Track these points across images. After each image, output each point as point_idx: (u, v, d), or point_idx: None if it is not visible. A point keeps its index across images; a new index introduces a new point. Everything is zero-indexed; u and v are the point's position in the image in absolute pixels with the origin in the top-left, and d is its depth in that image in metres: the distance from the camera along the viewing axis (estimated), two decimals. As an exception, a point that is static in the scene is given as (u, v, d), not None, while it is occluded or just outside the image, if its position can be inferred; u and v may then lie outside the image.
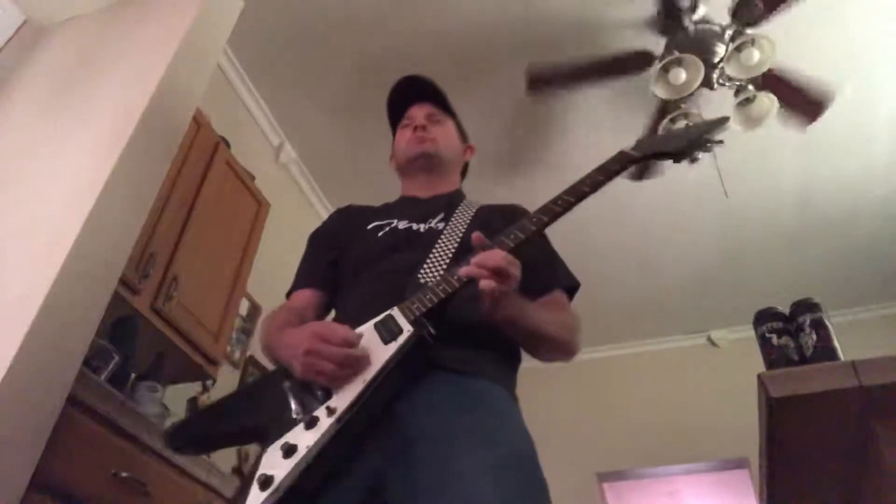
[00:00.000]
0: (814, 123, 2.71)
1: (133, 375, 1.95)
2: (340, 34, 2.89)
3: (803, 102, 2.65)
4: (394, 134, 1.49)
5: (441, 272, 1.10)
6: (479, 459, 0.91)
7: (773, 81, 2.60)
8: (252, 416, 1.07)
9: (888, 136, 3.31)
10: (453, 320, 1.05)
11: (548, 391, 4.70)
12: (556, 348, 1.14)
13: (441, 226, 1.24)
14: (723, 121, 1.12)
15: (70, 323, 1.55)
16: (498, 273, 0.96)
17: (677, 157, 1.09)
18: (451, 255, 1.14)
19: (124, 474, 1.57)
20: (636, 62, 2.71)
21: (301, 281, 1.33)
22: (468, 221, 1.24)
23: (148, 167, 1.87)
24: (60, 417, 1.44)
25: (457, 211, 1.28)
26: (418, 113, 1.42)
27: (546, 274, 1.23)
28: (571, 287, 1.25)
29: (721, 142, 1.08)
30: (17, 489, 1.33)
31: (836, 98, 2.66)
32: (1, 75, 2.25)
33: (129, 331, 1.98)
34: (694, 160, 1.08)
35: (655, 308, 4.56)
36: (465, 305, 1.06)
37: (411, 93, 1.45)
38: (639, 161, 1.09)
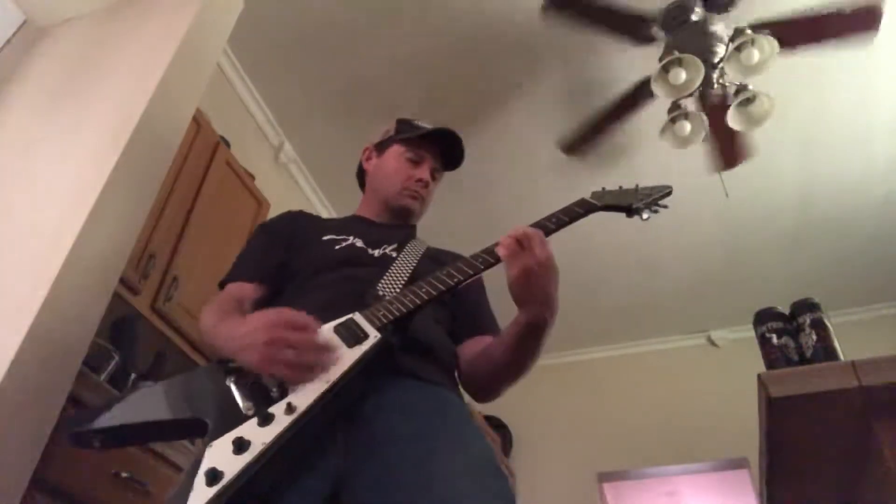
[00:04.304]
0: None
1: (133, 375, 1.95)
2: (340, 34, 2.89)
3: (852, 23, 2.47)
4: (392, 137, 1.45)
5: (397, 290, 1.14)
6: (457, 460, 0.95)
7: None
8: (185, 409, 1.01)
9: (888, 136, 3.31)
10: (416, 335, 1.09)
11: (548, 391, 4.71)
12: (523, 374, 1.18)
13: (394, 254, 1.28)
14: (667, 189, 1.27)
15: (70, 323, 1.55)
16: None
17: (629, 213, 1.23)
18: (405, 279, 1.19)
19: (124, 474, 1.57)
20: (642, 30, 2.70)
21: (245, 272, 1.26)
22: (419, 256, 1.29)
23: (148, 167, 1.87)
24: (60, 417, 1.44)
25: (408, 245, 1.32)
26: (430, 163, 1.42)
27: (490, 316, 1.35)
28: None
29: (666, 206, 1.25)
30: (17, 489, 1.33)
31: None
32: (1, 75, 2.25)
33: (129, 331, 1.98)
34: (642, 218, 1.23)
35: (655, 308, 4.55)
36: (428, 323, 1.15)
37: (440, 139, 1.42)
38: (599, 210, 1.22)
